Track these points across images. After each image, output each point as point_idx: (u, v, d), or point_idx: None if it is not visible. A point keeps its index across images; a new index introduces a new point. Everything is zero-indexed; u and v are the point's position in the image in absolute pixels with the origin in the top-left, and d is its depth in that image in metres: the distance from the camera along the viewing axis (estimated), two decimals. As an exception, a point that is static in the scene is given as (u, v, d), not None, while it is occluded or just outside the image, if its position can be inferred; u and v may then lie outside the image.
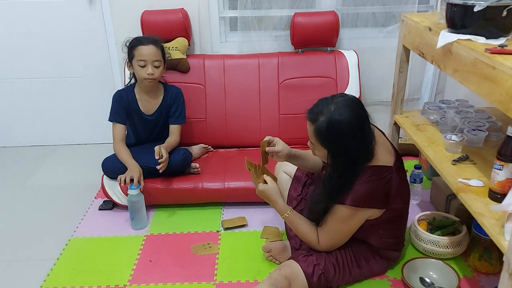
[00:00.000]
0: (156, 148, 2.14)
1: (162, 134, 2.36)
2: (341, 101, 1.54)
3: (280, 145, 1.82)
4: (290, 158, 1.86)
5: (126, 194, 2.18)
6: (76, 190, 2.54)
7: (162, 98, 2.33)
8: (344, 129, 1.52)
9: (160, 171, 2.14)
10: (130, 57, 2.22)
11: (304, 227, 1.73)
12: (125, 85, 2.43)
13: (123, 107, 2.28)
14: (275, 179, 1.84)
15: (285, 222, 1.83)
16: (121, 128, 2.28)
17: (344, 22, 2.75)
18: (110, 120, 2.29)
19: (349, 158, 1.56)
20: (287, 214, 1.75)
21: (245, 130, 2.62)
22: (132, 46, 2.21)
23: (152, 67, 2.19)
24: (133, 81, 2.34)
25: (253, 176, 1.78)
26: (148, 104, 2.32)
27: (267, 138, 1.83)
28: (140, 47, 2.18)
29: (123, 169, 2.19)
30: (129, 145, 2.31)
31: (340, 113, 1.51)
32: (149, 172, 2.20)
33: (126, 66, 2.31)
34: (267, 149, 1.80)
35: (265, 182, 1.78)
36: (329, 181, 1.61)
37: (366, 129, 1.57)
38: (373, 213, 1.64)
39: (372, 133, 1.61)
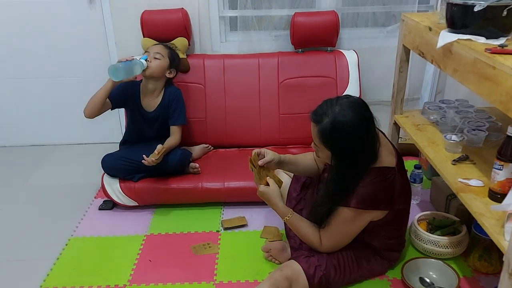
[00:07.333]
0: (159, 146, 2.17)
1: (164, 134, 2.35)
2: (345, 102, 1.53)
3: (269, 155, 1.78)
4: (280, 164, 1.85)
5: (124, 193, 2.19)
6: (76, 190, 2.54)
7: (161, 97, 2.35)
8: (348, 130, 1.51)
9: (144, 162, 2.14)
10: None
11: (305, 229, 1.72)
12: None
13: (124, 93, 2.30)
14: (280, 182, 1.83)
15: (285, 223, 1.82)
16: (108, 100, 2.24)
17: (344, 22, 2.75)
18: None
19: (353, 160, 1.55)
20: (288, 217, 1.75)
21: (245, 130, 2.62)
22: None
23: (152, 58, 2.25)
24: None
25: (255, 177, 1.77)
26: (149, 101, 2.34)
27: (254, 152, 1.78)
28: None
29: (124, 166, 2.23)
30: (130, 143, 2.34)
31: (344, 115, 1.50)
32: (148, 170, 2.22)
33: None
34: (259, 162, 1.76)
35: (267, 184, 1.77)
36: (333, 183, 1.60)
37: (371, 131, 1.56)
38: (377, 215, 1.64)
39: (376, 135, 1.60)
